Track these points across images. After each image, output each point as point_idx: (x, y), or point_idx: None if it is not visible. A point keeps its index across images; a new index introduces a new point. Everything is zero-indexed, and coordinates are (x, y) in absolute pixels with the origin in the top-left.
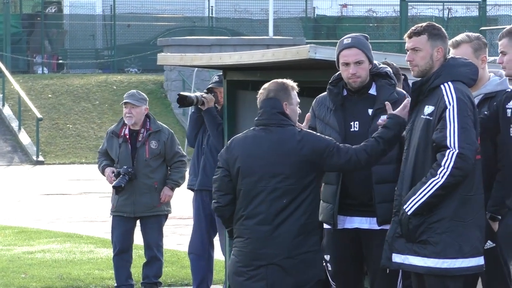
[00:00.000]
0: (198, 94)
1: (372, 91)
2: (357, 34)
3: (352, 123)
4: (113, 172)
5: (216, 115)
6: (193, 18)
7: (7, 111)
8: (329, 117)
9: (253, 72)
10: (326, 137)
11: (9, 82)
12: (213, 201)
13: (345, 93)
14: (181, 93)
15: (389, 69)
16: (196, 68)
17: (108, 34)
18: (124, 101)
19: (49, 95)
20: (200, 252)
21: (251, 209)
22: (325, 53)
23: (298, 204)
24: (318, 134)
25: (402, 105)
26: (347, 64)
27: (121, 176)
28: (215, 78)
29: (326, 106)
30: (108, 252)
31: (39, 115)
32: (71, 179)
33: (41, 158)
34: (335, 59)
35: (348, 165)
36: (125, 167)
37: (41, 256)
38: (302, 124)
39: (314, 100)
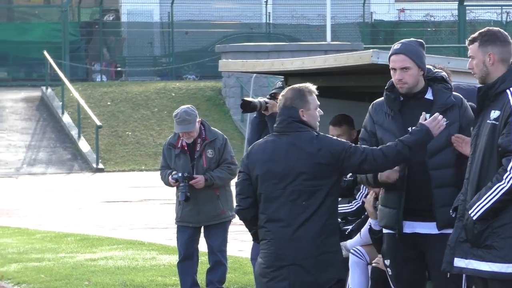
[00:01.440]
0: (261, 99)
1: (429, 95)
2: (412, 40)
3: (410, 129)
4: (172, 178)
5: None
6: (250, 25)
7: (67, 119)
8: (387, 122)
9: (315, 77)
10: (342, 140)
11: (68, 90)
12: (237, 207)
13: (401, 98)
14: (245, 98)
15: (444, 73)
16: (255, 74)
17: (166, 41)
18: (180, 131)
19: (108, 103)
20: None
21: (272, 211)
22: (387, 58)
23: (317, 206)
24: (335, 137)
25: (432, 116)
26: (394, 69)
27: (181, 186)
28: (278, 84)
29: (383, 112)
30: (170, 259)
31: (98, 123)
32: (131, 186)
33: (101, 166)
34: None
35: (364, 164)
36: (180, 174)
37: (104, 263)
38: None
39: (371, 106)
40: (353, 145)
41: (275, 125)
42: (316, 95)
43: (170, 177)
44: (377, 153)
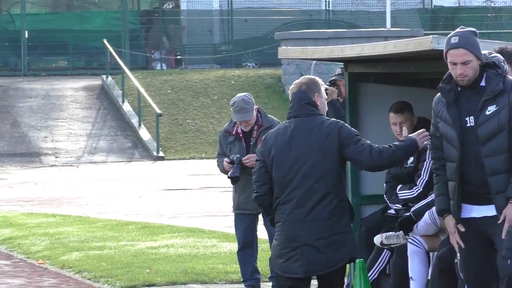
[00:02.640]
0: None
1: (483, 82)
2: (465, 30)
3: (467, 119)
4: (229, 158)
5: (339, 108)
6: (309, 12)
7: (127, 107)
8: (445, 114)
9: (375, 64)
10: (351, 128)
11: (128, 79)
12: (254, 194)
13: (459, 89)
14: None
15: (498, 57)
16: (314, 62)
17: (226, 29)
18: (238, 120)
19: (168, 91)
20: None
21: (286, 194)
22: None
23: (328, 188)
24: (344, 123)
25: (416, 132)
26: (454, 63)
27: (234, 165)
28: (338, 71)
29: (442, 104)
30: (231, 246)
31: (158, 111)
32: (191, 174)
33: (161, 154)
34: (444, 56)
35: (360, 156)
36: (238, 155)
37: (165, 251)
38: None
39: (433, 101)
40: (358, 135)
41: (289, 111)
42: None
43: (225, 159)
44: (375, 150)
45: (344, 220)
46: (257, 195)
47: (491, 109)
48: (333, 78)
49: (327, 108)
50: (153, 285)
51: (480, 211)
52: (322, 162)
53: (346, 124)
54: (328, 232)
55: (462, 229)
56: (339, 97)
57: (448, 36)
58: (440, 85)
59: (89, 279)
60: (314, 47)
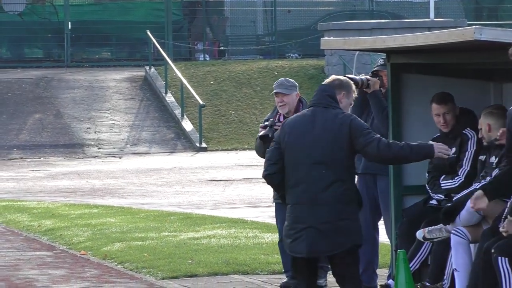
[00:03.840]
0: (363, 77)
1: None
2: None
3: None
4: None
5: (381, 99)
6: (353, 2)
7: (170, 98)
8: None
9: (417, 55)
10: (364, 123)
11: (171, 70)
12: (264, 171)
13: None
14: (347, 75)
15: None
16: (357, 52)
17: (269, 20)
18: (274, 91)
19: (211, 82)
20: (365, 235)
21: (296, 178)
22: (490, 34)
23: (337, 176)
24: (358, 118)
25: (441, 144)
26: None
27: (268, 128)
28: (380, 61)
29: None
30: (273, 237)
31: (201, 102)
32: (234, 165)
33: (204, 145)
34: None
35: (368, 148)
36: (272, 119)
37: (207, 242)
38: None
39: (508, 112)
40: (369, 129)
41: (311, 99)
42: (355, 82)
43: (261, 125)
44: (383, 142)
45: (350, 207)
46: (267, 173)
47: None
48: (375, 68)
49: (348, 112)
50: (195, 275)
51: None
52: (332, 151)
53: (358, 118)
54: (334, 217)
55: None
56: (381, 88)
57: None
58: None
59: (131, 270)
60: (357, 38)
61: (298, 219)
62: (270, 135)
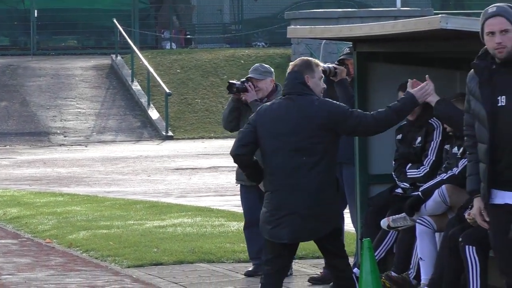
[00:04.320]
0: (330, 65)
1: None
2: (503, 4)
3: (499, 98)
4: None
5: (348, 87)
6: None
7: (136, 86)
8: (478, 92)
9: (384, 43)
10: (341, 104)
11: (138, 58)
12: (232, 150)
13: (494, 66)
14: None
15: None
16: (324, 41)
17: (235, 8)
18: (248, 76)
19: (178, 70)
20: None
21: (276, 165)
22: (457, 23)
23: (316, 162)
24: (334, 101)
25: (419, 86)
26: (492, 33)
27: (240, 82)
28: (346, 50)
29: (475, 81)
30: (239, 226)
31: (168, 90)
32: (200, 154)
33: (170, 133)
34: (480, 30)
35: (358, 127)
36: (244, 79)
37: (173, 230)
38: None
39: (467, 77)
40: (350, 109)
41: (284, 88)
42: (322, 69)
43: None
44: (370, 118)
45: (330, 192)
46: (235, 154)
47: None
48: (341, 57)
49: (321, 87)
50: (160, 264)
51: (504, 197)
52: (311, 138)
53: (333, 101)
54: (315, 202)
55: (487, 218)
56: (347, 76)
57: (485, 9)
58: (474, 61)
59: (96, 258)
60: (323, 27)
61: (279, 205)
62: (236, 85)
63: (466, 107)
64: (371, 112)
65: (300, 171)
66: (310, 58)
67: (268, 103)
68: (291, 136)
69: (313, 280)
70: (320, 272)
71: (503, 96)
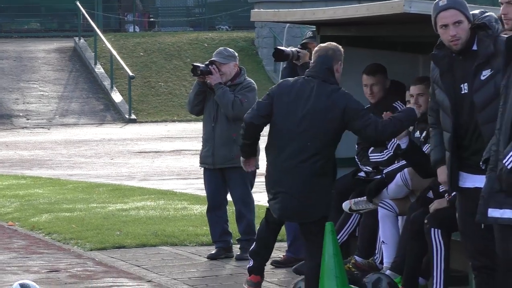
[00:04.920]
0: (293, 49)
1: (474, 46)
2: None
3: (462, 86)
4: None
5: None
6: None
7: (99, 69)
8: (440, 81)
9: (347, 27)
10: (359, 102)
11: (101, 41)
12: (248, 115)
13: (453, 54)
14: (278, 47)
15: (490, 17)
16: (287, 25)
17: None
18: (211, 59)
19: (141, 53)
20: None
21: (283, 144)
22: (420, 6)
23: (319, 149)
24: (353, 97)
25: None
26: (445, 26)
27: (204, 65)
28: (309, 34)
29: (437, 71)
30: (201, 209)
31: (131, 73)
32: (163, 137)
33: (133, 116)
34: (433, 23)
35: (366, 130)
36: (207, 62)
37: (135, 213)
38: None
39: (430, 67)
40: (365, 110)
41: (307, 69)
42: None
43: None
44: (380, 124)
45: (326, 180)
46: (252, 122)
47: (486, 73)
48: (304, 41)
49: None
50: (123, 247)
51: (474, 181)
52: (321, 125)
53: (353, 97)
54: (310, 187)
55: (444, 204)
56: (310, 60)
57: (435, 2)
58: (433, 52)
59: (59, 241)
60: (287, 10)
61: (278, 182)
62: (200, 68)
63: (430, 93)
64: (381, 120)
65: (301, 155)
66: (339, 46)
67: (290, 79)
68: (304, 119)
69: (276, 263)
70: (283, 255)
71: (465, 84)
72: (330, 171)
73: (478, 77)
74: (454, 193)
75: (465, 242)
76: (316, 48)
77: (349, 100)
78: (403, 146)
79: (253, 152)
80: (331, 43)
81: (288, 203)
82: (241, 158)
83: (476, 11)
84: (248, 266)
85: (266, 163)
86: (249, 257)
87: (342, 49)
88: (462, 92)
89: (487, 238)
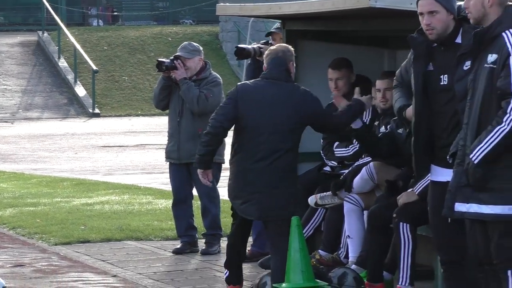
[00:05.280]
0: (255, 45)
1: (458, 39)
2: None
3: (441, 77)
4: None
5: None
6: None
7: (63, 63)
8: (412, 65)
9: (313, 21)
10: (317, 98)
11: (64, 35)
12: (215, 121)
13: (435, 44)
14: (239, 45)
15: None
16: (252, 19)
17: None
18: (176, 54)
19: (105, 47)
20: None
21: (253, 146)
22: (386, 1)
23: (289, 147)
24: (314, 95)
25: (367, 97)
26: (422, 14)
27: (169, 60)
28: (277, 25)
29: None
30: (166, 203)
31: (94, 67)
32: (127, 131)
33: (97, 111)
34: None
35: (326, 128)
36: (172, 57)
37: (100, 208)
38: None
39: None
40: (326, 109)
41: (263, 72)
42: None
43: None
44: (336, 118)
45: (295, 177)
46: (221, 125)
47: (468, 64)
48: (272, 30)
49: (243, 79)
50: (88, 241)
51: (447, 175)
52: (288, 124)
53: (313, 95)
54: (283, 184)
55: (413, 198)
56: None
57: None
58: (412, 34)
59: (23, 236)
60: (253, 4)
61: (250, 183)
62: (166, 63)
63: (403, 70)
64: (335, 113)
65: (274, 154)
66: (288, 46)
67: (249, 83)
68: (273, 119)
69: None
70: (248, 250)
71: (445, 75)
72: (296, 168)
73: (460, 67)
74: (422, 186)
75: (435, 235)
76: (267, 52)
77: (313, 100)
78: (356, 126)
79: (212, 161)
80: (281, 44)
81: (264, 201)
82: (199, 171)
83: (462, 3)
84: (225, 277)
85: (231, 169)
86: (224, 268)
87: (292, 49)
88: (441, 83)
89: (458, 232)
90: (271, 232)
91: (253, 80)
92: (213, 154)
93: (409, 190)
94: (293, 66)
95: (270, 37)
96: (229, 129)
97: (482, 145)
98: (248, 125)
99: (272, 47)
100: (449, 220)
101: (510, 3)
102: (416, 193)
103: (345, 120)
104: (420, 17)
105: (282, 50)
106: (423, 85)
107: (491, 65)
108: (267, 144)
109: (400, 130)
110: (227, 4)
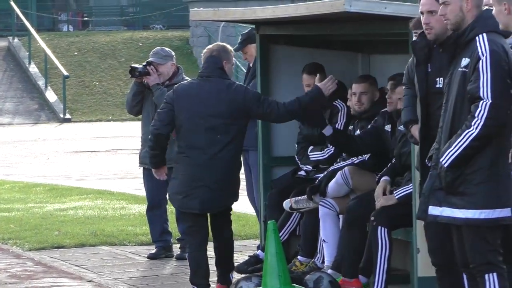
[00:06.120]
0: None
1: None
2: None
3: (437, 79)
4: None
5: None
6: None
7: (34, 69)
8: (415, 71)
9: (287, 26)
10: (256, 91)
11: (34, 40)
12: (154, 127)
13: (435, 45)
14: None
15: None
16: (222, 24)
17: None
18: (148, 60)
19: (75, 53)
20: None
21: (193, 141)
22: (360, 5)
23: (229, 140)
24: (249, 87)
25: (326, 79)
26: (422, 13)
27: (142, 66)
28: (240, 38)
29: (414, 60)
30: (140, 208)
31: (65, 73)
32: (98, 136)
33: (68, 116)
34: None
35: (270, 114)
36: (145, 63)
37: (74, 213)
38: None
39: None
40: (264, 97)
41: (199, 71)
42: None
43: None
44: (281, 106)
45: (237, 169)
46: (159, 133)
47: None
48: (238, 44)
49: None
50: (62, 247)
51: None
52: (227, 119)
53: (249, 88)
54: (225, 177)
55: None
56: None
57: None
58: (414, 39)
59: None
60: (226, 9)
61: (194, 177)
62: (139, 69)
63: (408, 67)
64: (283, 102)
65: (214, 148)
66: (226, 44)
67: (185, 83)
68: (208, 114)
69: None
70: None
71: (441, 78)
72: (239, 161)
73: (451, 68)
74: (405, 193)
75: (426, 238)
76: (204, 51)
77: (246, 90)
78: (327, 133)
79: (163, 161)
80: (218, 43)
81: (207, 195)
82: (153, 170)
83: None
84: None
85: (175, 168)
86: (192, 285)
87: (228, 48)
88: (436, 86)
89: (445, 236)
90: (214, 223)
91: (189, 80)
92: (161, 156)
93: (388, 194)
94: (229, 65)
95: (241, 52)
96: (168, 132)
97: (451, 148)
98: (185, 123)
99: (209, 46)
100: (423, 223)
101: (486, 7)
102: (396, 197)
103: (298, 105)
104: (421, 16)
105: (217, 49)
106: (427, 91)
107: (464, 69)
108: (205, 140)
109: (387, 127)
110: (201, 9)
